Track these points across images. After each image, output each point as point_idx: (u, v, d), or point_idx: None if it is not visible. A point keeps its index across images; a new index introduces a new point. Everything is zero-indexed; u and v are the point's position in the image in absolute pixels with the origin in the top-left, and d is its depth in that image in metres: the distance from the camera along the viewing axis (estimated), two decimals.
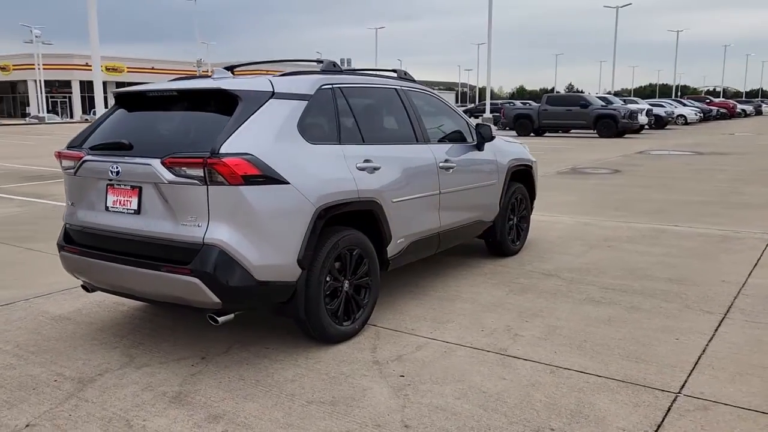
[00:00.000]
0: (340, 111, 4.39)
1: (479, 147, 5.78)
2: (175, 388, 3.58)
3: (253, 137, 3.71)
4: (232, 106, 3.81)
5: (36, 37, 52.67)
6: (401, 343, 4.23)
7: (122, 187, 3.86)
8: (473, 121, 5.97)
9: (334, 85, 4.44)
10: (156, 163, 3.66)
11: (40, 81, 59.35)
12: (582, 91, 68.12)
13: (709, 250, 6.74)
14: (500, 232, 6.22)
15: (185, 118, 4.02)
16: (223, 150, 3.56)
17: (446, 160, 5.21)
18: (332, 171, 4.08)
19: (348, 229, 4.23)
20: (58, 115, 62.52)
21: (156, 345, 4.22)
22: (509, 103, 41.62)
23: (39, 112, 58.63)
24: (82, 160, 4.05)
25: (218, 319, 3.73)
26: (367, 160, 4.37)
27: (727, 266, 6.02)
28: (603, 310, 4.81)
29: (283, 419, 3.21)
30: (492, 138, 5.78)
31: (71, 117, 69.14)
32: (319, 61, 4.80)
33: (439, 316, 4.73)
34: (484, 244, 6.37)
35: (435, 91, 5.70)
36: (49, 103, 71.60)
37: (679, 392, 3.47)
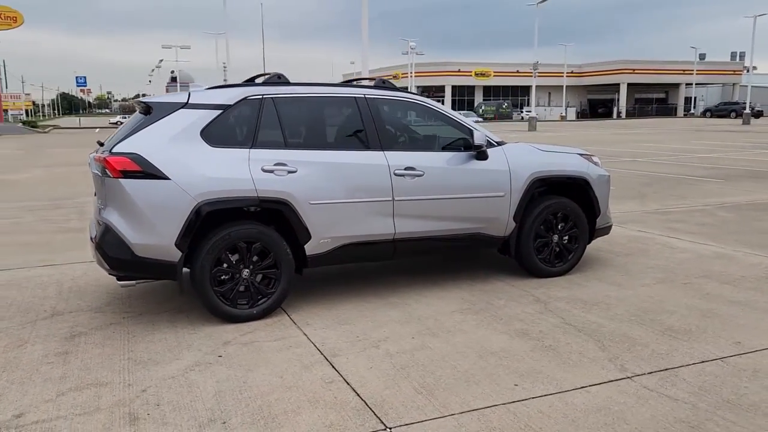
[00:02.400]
0: (263, 119, 4.92)
1: (480, 156, 5.51)
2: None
3: (146, 140, 4.60)
4: (149, 114, 4.75)
5: (411, 48, 60.15)
6: (264, 331, 4.61)
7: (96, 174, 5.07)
8: (484, 131, 5.67)
9: (265, 96, 4.98)
10: (91, 157, 4.84)
11: (413, 87, 67.40)
12: None
13: None
14: (518, 250, 5.77)
15: (132, 124, 5.08)
16: (115, 150, 4.54)
17: (408, 168, 5.21)
18: (225, 171, 4.67)
19: (248, 223, 4.77)
20: None
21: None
22: None
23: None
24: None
25: (119, 283, 4.74)
26: (279, 164, 4.82)
27: None
28: (534, 386, 4.29)
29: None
30: (477, 146, 5.43)
31: None
32: (371, 79, 5.36)
33: (350, 318, 4.88)
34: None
35: (427, 100, 5.62)
36: None
37: None
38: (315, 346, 4.32)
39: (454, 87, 78.27)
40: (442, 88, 79.03)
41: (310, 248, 4.97)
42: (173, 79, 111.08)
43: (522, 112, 70.34)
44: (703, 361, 3.96)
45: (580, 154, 6.12)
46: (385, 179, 5.14)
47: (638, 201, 10.64)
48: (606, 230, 6.33)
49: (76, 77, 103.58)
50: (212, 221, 4.71)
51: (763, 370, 3.81)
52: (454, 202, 5.41)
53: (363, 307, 5.11)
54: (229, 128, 4.85)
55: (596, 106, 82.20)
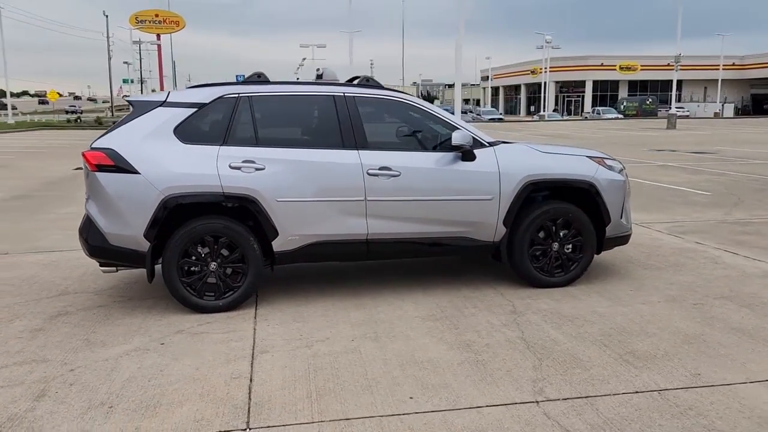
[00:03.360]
0: (237, 117, 5.06)
1: (466, 156, 5.27)
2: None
3: (123, 136, 4.91)
4: (131, 112, 5.07)
5: (546, 42, 58.15)
6: (221, 323, 4.75)
7: None
8: (473, 131, 5.41)
9: (241, 95, 5.12)
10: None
11: (548, 82, 65.14)
12: None
13: None
14: (511, 257, 5.46)
15: (119, 121, 5.39)
16: (94, 145, 4.91)
17: (383, 167, 5.12)
18: (192, 167, 4.87)
19: (214, 218, 4.95)
20: (558, 113, 67.60)
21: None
22: None
23: (542, 111, 64.72)
24: None
25: (101, 269, 5.12)
26: (247, 161, 4.94)
27: None
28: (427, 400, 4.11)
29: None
30: (455, 146, 5.18)
31: (575, 114, 73.53)
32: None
33: (308, 317, 4.90)
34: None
35: (412, 98, 5.46)
36: (565, 102, 77.84)
37: None
38: (254, 341, 4.39)
39: (595, 82, 74.72)
40: (582, 84, 75.81)
41: (277, 245, 5.05)
42: (319, 77, 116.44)
43: (670, 108, 65.75)
44: (636, 392, 3.55)
45: (590, 156, 5.65)
46: (358, 179, 5.08)
47: (726, 209, 9.60)
48: (622, 240, 5.81)
49: (236, 75, 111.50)
50: (186, 215, 4.92)
51: (697, 409, 3.34)
52: (434, 204, 5.23)
53: (330, 306, 5.11)
54: (202, 126, 5.04)
55: (761, 101, 74.52)
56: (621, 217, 5.68)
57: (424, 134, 5.47)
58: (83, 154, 4.90)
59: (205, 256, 4.95)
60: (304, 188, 5.00)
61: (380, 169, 5.12)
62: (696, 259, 6.50)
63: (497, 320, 4.74)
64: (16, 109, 71.11)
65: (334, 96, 5.24)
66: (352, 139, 5.17)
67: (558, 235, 5.51)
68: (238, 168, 4.92)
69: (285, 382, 3.72)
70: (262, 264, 5.05)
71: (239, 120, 5.06)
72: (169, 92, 5.17)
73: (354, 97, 5.27)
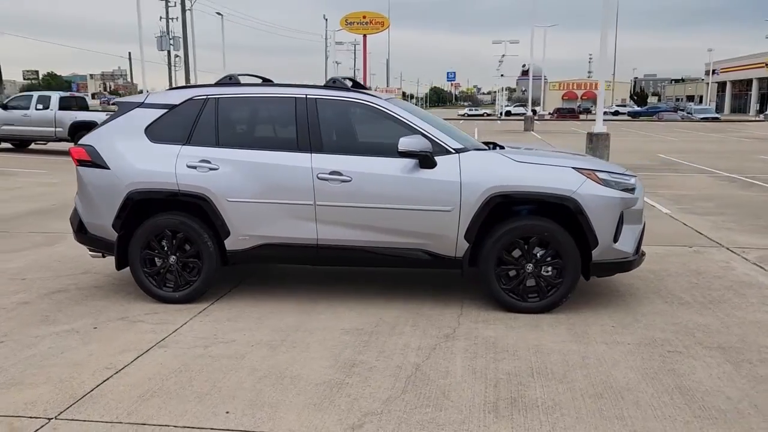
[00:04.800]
0: (203, 118, 5.23)
1: (424, 163, 4.91)
2: None
3: (102, 134, 5.36)
4: (115, 111, 5.51)
5: None
6: (164, 314, 4.97)
7: None
8: (440, 136, 5.00)
9: (209, 96, 5.29)
10: None
11: None
12: None
13: None
14: (481, 275, 4.98)
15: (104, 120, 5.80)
16: (80, 142, 5.42)
17: (333, 172, 4.97)
18: (153, 165, 5.15)
19: (173, 214, 5.20)
20: None
21: None
22: None
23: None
24: None
25: (89, 254, 5.65)
26: (204, 161, 5.12)
27: None
28: None
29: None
30: (401, 152, 4.80)
31: None
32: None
33: (246, 317, 4.95)
34: None
35: (377, 101, 5.15)
36: None
37: None
38: (168, 335, 4.54)
39: None
40: None
41: (229, 243, 5.15)
42: (524, 73, 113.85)
43: None
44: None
45: (577, 168, 4.90)
46: (307, 182, 4.99)
47: None
48: (618, 266, 4.98)
49: (447, 72, 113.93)
50: (150, 209, 5.23)
51: None
52: (387, 212, 4.94)
53: (277, 310, 5.08)
54: (170, 126, 5.29)
55: None
56: (615, 241, 4.87)
57: (385, 139, 5.18)
58: (69, 150, 5.42)
59: (165, 249, 5.21)
60: (253, 189, 5.03)
61: (331, 173, 4.97)
62: (750, 298, 5.34)
63: (419, 344, 4.36)
64: None
65: (295, 98, 5.18)
66: (307, 141, 5.07)
67: (533, 255, 4.89)
68: (195, 167, 5.09)
69: (141, 379, 3.81)
70: (217, 261, 5.18)
71: (203, 121, 5.23)
72: (148, 94, 5.50)
73: (315, 99, 5.16)
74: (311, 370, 3.93)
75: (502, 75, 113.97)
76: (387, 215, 4.94)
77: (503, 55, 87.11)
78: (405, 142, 4.78)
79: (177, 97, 5.33)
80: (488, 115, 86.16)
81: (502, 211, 4.97)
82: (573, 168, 4.89)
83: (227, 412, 3.39)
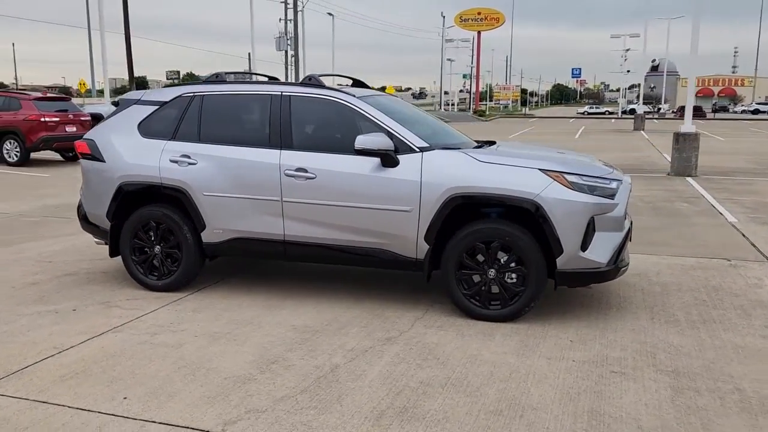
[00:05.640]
0: (188, 114, 5.45)
1: (386, 162, 4.82)
2: None
3: (103, 129, 5.72)
4: (117, 108, 5.86)
5: None
6: (142, 300, 5.23)
7: None
8: (407, 134, 4.88)
9: (196, 93, 5.49)
10: None
11: None
12: None
13: None
14: (442, 279, 4.83)
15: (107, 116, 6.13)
16: (84, 136, 5.82)
17: (299, 168, 5.00)
18: (141, 159, 5.43)
19: (158, 206, 5.46)
20: None
21: None
22: None
23: None
24: None
25: (94, 241, 6.06)
26: (184, 156, 5.33)
27: None
28: None
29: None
30: (356, 150, 4.71)
31: None
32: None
33: (211, 308, 5.10)
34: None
35: (350, 98, 5.08)
36: None
37: None
38: (129, 321, 4.78)
39: None
40: None
41: (205, 236, 5.33)
42: (654, 69, 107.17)
43: None
44: None
45: (544, 170, 4.59)
46: (275, 178, 5.06)
47: None
48: (590, 277, 4.63)
49: (572, 69, 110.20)
50: (140, 201, 5.53)
51: None
52: (349, 210, 4.90)
53: (246, 304, 5.18)
54: (159, 122, 5.54)
55: None
56: (584, 249, 4.52)
57: (354, 136, 5.10)
58: (75, 144, 5.84)
59: (152, 240, 5.48)
60: (226, 184, 5.17)
61: (297, 170, 5.00)
62: (754, 320, 4.78)
63: (355, 345, 4.30)
64: None
65: (271, 95, 5.26)
66: (278, 138, 5.14)
67: (496, 260, 4.66)
68: (176, 162, 5.32)
69: (74, 360, 4.04)
70: (195, 253, 5.37)
71: (188, 117, 5.43)
72: (144, 92, 5.80)
73: (290, 96, 5.21)
74: (231, 364, 3.99)
75: (628, 71, 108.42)
76: (349, 213, 4.90)
77: (627, 50, 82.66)
78: (362, 140, 4.72)
79: (167, 95, 5.57)
80: (610, 113, 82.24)
81: (469, 212, 4.77)
82: (540, 170, 4.60)
83: (125, 398, 3.53)
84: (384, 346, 4.27)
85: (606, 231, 4.60)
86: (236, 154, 5.18)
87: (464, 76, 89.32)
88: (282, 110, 5.17)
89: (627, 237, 4.80)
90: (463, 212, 4.76)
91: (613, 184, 4.70)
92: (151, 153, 5.40)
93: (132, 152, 5.47)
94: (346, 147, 5.03)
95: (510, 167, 4.64)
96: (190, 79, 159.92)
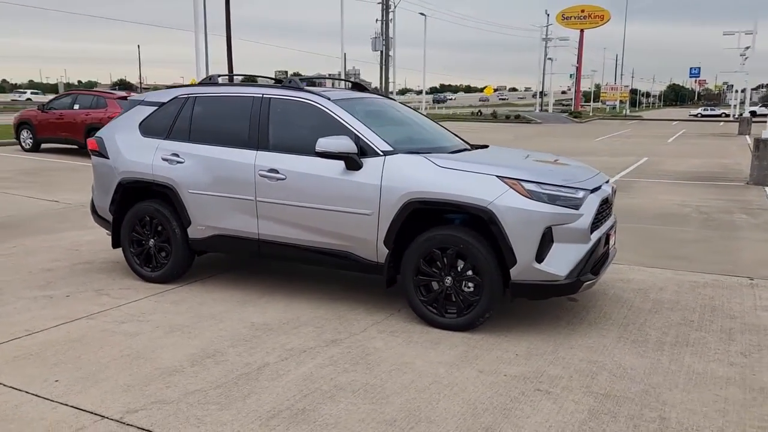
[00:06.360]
0: (181, 115, 5.71)
1: (349, 165, 4.83)
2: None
3: (111, 127, 6.10)
4: (125, 107, 6.22)
5: None
6: (132, 290, 5.53)
7: None
8: (372, 137, 4.87)
9: (190, 95, 5.75)
10: None
11: None
12: None
13: None
14: (401, 284, 4.80)
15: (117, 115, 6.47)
16: (95, 135, 6.24)
17: (271, 169, 5.12)
18: (138, 156, 5.74)
19: (151, 202, 5.76)
20: None
21: None
22: None
23: None
24: None
25: (106, 232, 6.47)
26: (174, 154, 5.60)
27: None
28: None
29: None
30: (317, 152, 4.74)
31: None
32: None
33: (190, 301, 5.33)
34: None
35: (324, 101, 5.10)
36: None
37: None
38: (107, 309, 5.07)
39: None
40: None
41: (191, 232, 5.56)
42: None
43: None
44: None
45: (501, 176, 4.43)
46: (250, 179, 5.20)
47: None
48: (546, 290, 4.42)
49: (690, 68, 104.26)
50: (138, 196, 5.86)
51: None
52: (315, 212, 4.97)
53: (224, 298, 5.35)
54: (157, 122, 5.83)
55: None
56: (540, 261, 4.34)
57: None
58: (87, 141, 6.25)
59: (147, 233, 5.79)
60: (208, 182, 5.38)
61: (269, 171, 5.12)
62: (733, 346, 4.41)
63: (297, 345, 4.35)
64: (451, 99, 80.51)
65: (253, 97, 5.41)
66: (255, 139, 5.28)
67: (452, 267, 4.57)
68: (167, 160, 5.59)
69: (35, 343, 4.34)
70: (183, 248, 5.61)
71: (181, 118, 5.69)
72: (147, 93, 6.11)
73: (270, 98, 5.33)
74: (171, 356, 4.15)
75: (746, 72, 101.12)
76: (316, 215, 4.96)
77: (747, 48, 76.91)
78: (322, 143, 4.76)
79: (166, 96, 5.86)
80: (726, 115, 77.07)
81: (433, 218, 4.71)
82: (497, 176, 4.45)
83: (56, 381, 3.77)
84: (324, 348, 4.29)
85: (566, 242, 4.38)
86: (218, 154, 5.37)
87: (571, 76, 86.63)
88: (261, 112, 5.31)
89: (595, 249, 4.54)
90: (426, 217, 4.70)
91: (579, 194, 4.47)
92: (147, 151, 5.70)
93: (131, 150, 5.79)
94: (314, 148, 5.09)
95: (467, 173, 4.53)
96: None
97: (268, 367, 3.97)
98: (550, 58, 71.61)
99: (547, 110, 65.43)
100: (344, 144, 4.74)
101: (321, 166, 4.93)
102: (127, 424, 3.26)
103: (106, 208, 5.94)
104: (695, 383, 3.77)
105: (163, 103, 5.82)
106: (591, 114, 71.33)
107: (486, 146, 5.86)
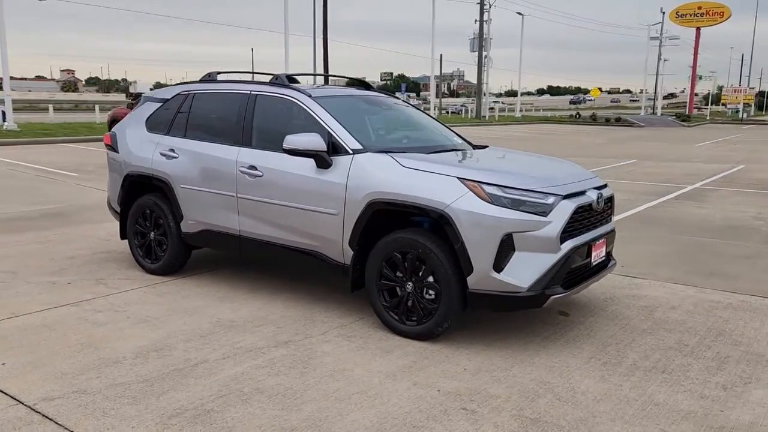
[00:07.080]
0: (181, 111, 5.82)
1: (319, 163, 4.72)
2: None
3: (123, 123, 6.34)
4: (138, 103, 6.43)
5: None
6: (124, 279, 5.71)
7: None
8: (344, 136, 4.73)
9: (191, 92, 5.85)
10: None
11: None
12: None
13: None
14: (365, 287, 4.64)
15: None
16: (111, 130, 6.49)
17: (251, 167, 5.11)
18: (141, 151, 5.92)
19: (151, 196, 5.92)
20: None
21: None
22: None
23: None
24: None
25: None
26: (171, 149, 5.73)
27: None
28: None
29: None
30: (284, 149, 4.63)
31: None
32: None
33: (170, 295, 5.43)
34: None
35: (305, 99, 4.99)
36: None
37: None
38: (93, 298, 5.25)
39: None
40: None
41: (183, 226, 5.66)
42: None
43: None
44: None
45: (462, 178, 4.15)
46: (231, 175, 5.22)
47: None
48: (504, 302, 4.10)
49: None
50: (143, 189, 6.04)
51: None
52: (287, 210, 4.90)
53: (208, 293, 5.40)
54: (160, 118, 5.98)
55: None
56: (498, 270, 4.03)
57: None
58: (105, 136, 6.52)
59: (148, 225, 5.96)
60: (197, 178, 5.45)
61: (249, 167, 5.11)
62: (717, 377, 3.91)
63: (236, 343, 4.30)
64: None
65: (241, 94, 5.42)
66: (240, 136, 5.29)
67: (413, 273, 4.36)
68: (165, 155, 5.72)
69: (8, 327, 4.55)
70: (178, 241, 5.72)
71: (181, 114, 5.80)
72: (156, 90, 6.28)
73: (256, 95, 5.32)
74: (123, 347, 4.22)
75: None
76: (288, 213, 4.90)
77: None
78: (290, 140, 4.67)
79: (170, 93, 6.00)
80: None
81: (400, 219, 4.52)
82: (458, 178, 4.18)
83: (3, 364, 3.92)
84: (272, 349, 4.21)
85: (530, 251, 4.05)
86: (207, 150, 5.43)
87: (699, 77, 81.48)
88: (248, 109, 5.30)
89: (567, 261, 4.16)
90: (392, 218, 4.51)
91: (549, 200, 4.12)
92: (149, 146, 5.86)
93: (137, 145, 5.97)
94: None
95: (429, 174, 4.29)
96: (401, 80, 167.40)
97: (203, 365, 3.94)
98: (666, 60, 67.80)
99: (655, 113, 61.91)
100: (313, 141, 4.63)
101: (294, 163, 4.85)
102: (35, 411, 3.32)
103: (116, 199, 6.16)
104: (645, 415, 3.35)
105: (167, 100, 5.96)
106: (707, 117, 66.84)
107: (486, 146, 5.57)
